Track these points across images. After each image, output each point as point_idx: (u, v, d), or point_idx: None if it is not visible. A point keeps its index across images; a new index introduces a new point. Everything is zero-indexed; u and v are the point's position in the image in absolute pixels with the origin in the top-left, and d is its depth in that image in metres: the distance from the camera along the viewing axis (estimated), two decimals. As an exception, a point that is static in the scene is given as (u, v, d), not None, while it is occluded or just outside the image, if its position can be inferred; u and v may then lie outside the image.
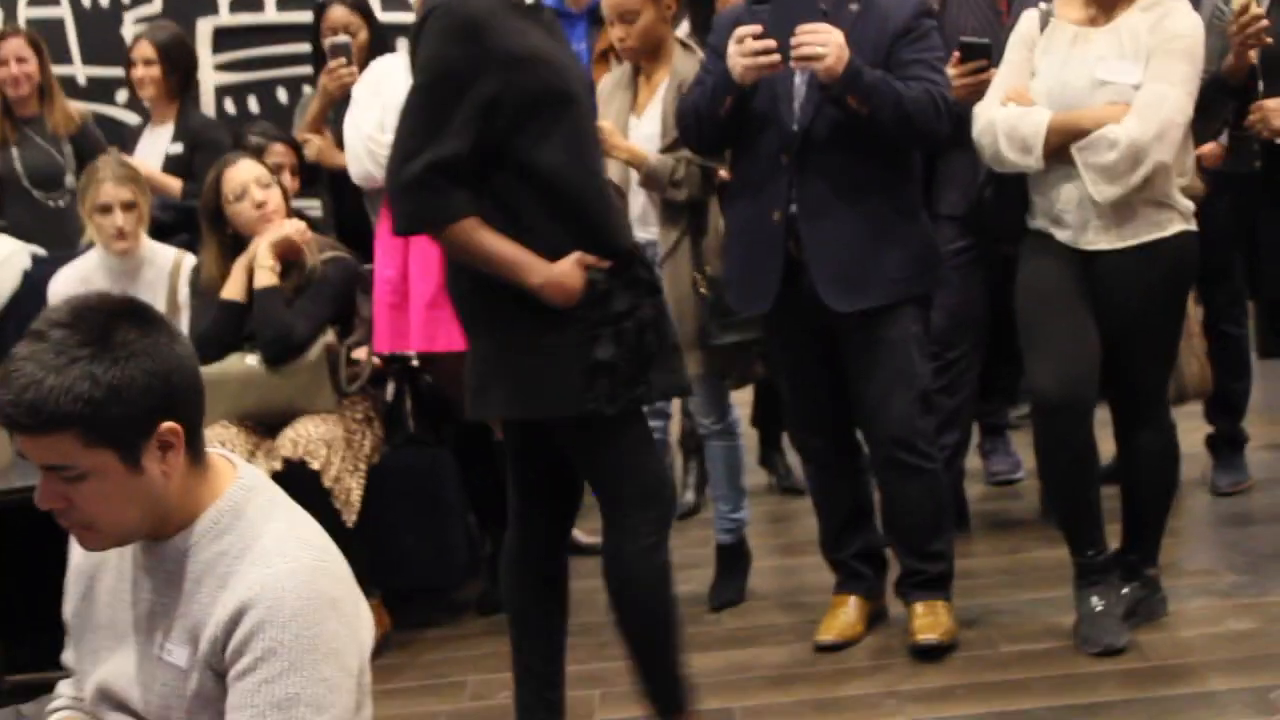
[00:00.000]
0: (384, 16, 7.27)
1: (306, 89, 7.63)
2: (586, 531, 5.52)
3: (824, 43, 4.01)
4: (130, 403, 2.20)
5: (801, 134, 4.15)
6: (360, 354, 4.80)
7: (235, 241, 4.77)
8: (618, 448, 3.58)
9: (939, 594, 4.46)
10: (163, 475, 2.28)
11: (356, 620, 2.43)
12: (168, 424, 2.25)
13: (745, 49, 4.04)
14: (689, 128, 4.34)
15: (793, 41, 4.01)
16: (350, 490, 4.60)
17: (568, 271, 3.42)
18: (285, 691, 2.27)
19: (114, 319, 2.23)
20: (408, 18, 7.91)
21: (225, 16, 8.06)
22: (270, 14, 8.08)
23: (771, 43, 4.00)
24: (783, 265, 4.26)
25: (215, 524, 2.34)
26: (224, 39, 8.00)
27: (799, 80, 4.21)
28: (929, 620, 4.39)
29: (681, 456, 5.87)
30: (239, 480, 2.39)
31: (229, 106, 7.97)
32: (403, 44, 7.67)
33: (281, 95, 8.07)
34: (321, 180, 5.43)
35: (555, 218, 3.44)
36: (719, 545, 4.98)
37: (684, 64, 4.60)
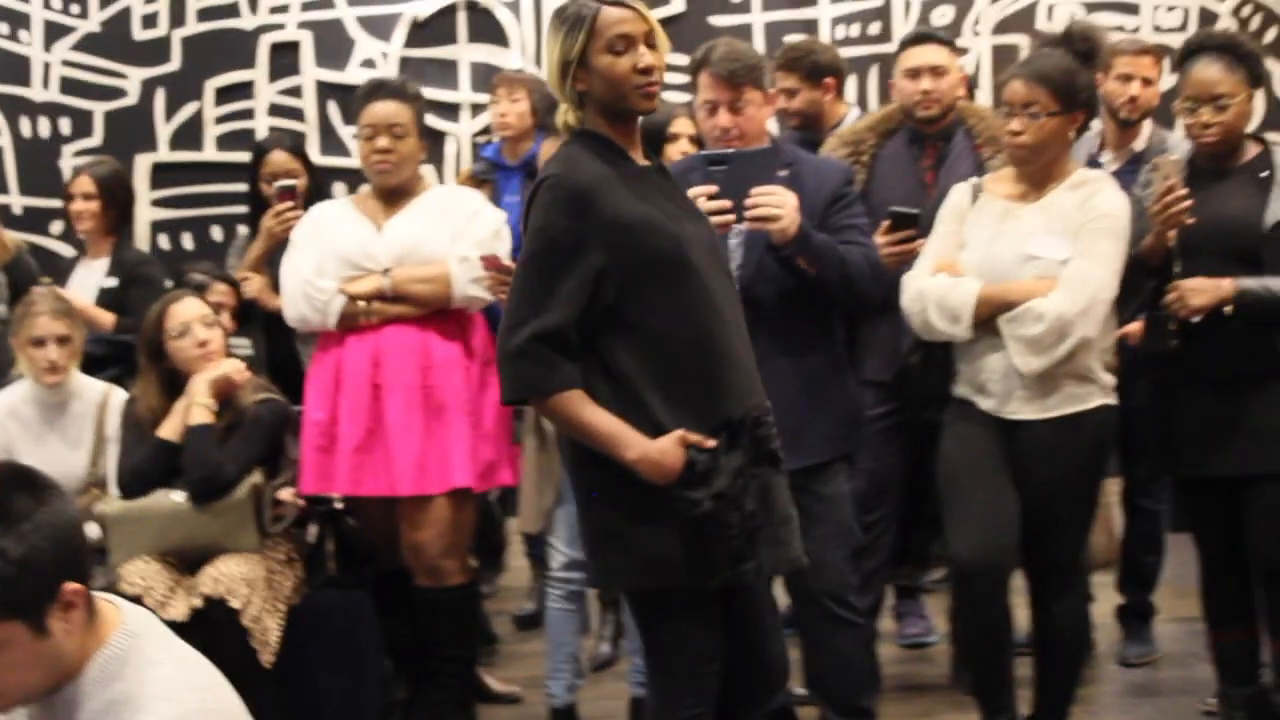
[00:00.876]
0: (321, 160, 7.39)
1: (241, 229, 7.70)
2: (499, 679, 5.55)
3: (780, 204, 4.10)
4: (39, 573, 2.22)
5: (742, 293, 4.23)
6: (286, 495, 4.82)
7: (172, 377, 4.81)
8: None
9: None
10: (66, 634, 2.29)
11: None
12: (71, 585, 2.27)
13: (701, 208, 4.12)
14: None
15: (749, 202, 4.09)
16: (268, 630, 4.60)
17: (666, 449, 3.38)
18: None
19: (6, 489, 2.26)
20: (346, 162, 8.06)
21: (164, 153, 8.16)
22: (209, 153, 8.20)
23: (727, 202, 4.07)
24: None
25: (103, 672, 2.34)
26: (162, 175, 8.10)
27: (734, 242, 4.29)
28: None
29: (600, 607, 5.89)
30: (124, 625, 2.40)
31: (163, 242, 8.06)
32: (340, 189, 7.80)
33: (216, 233, 8.17)
34: (256, 320, 5.47)
35: (660, 385, 3.43)
36: (633, 699, 4.98)
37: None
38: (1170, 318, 4.37)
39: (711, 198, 4.08)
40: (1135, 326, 4.81)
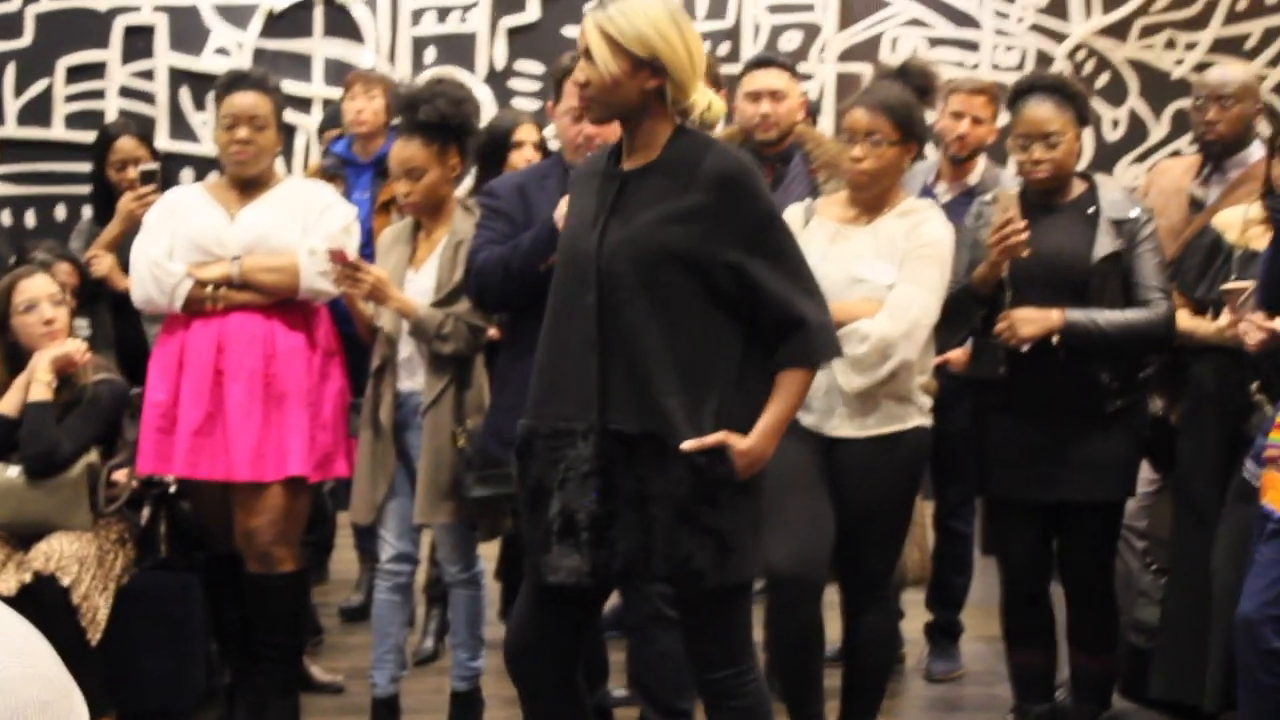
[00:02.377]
0: (170, 146, 7.42)
1: (86, 210, 7.71)
2: (324, 668, 5.63)
3: None
4: None
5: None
6: (120, 476, 4.86)
7: (15, 352, 4.84)
8: None
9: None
10: None
11: (67, 717, 2.54)
12: None
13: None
14: (490, 284, 4.45)
15: None
16: (98, 609, 4.65)
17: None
18: None
19: None
20: (195, 149, 8.09)
21: (12, 129, 8.11)
22: (58, 130, 8.17)
23: None
24: None
25: None
26: (8, 151, 8.05)
27: None
28: None
29: (425, 603, 5.98)
30: None
31: (5, 218, 8.01)
32: (187, 175, 7.83)
33: (60, 212, 8.14)
34: (104, 300, 5.51)
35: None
36: (454, 692, 5.07)
37: (463, 224, 4.75)
38: (999, 345, 4.53)
39: None
40: (957, 353, 4.99)
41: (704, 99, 3.61)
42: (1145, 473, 4.92)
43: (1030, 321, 4.47)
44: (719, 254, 3.53)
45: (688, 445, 3.49)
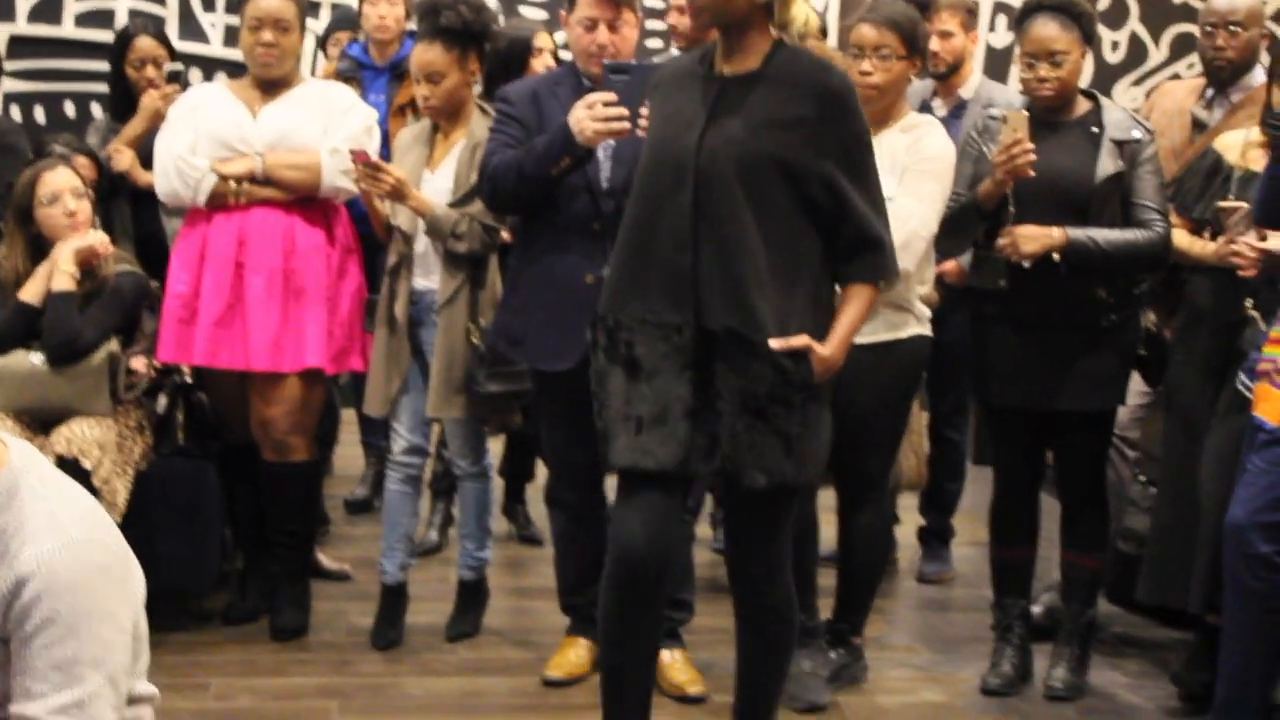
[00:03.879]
0: (180, 47, 7.46)
1: (95, 108, 7.78)
2: (331, 557, 5.78)
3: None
4: None
5: (614, 202, 4.42)
6: (139, 364, 4.97)
7: (38, 243, 4.93)
8: None
9: (679, 643, 4.81)
10: None
11: (126, 581, 2.70)
12: None
13: (598, 114, 4.27)
14: (503, 186, 4.52)
15: (645, 111, 4.20)
16: (117, 492, 4.77)
17: None
18: (65, 654, 2.55)
19: None
20: (204, 49, 8.16)
21: (22, 25, 8.15)
22: (68, 29, 8.20)
23: (624, 110, 4.23)
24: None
25: None
26: (18, 47, 8.08)
27: (602, 155, 4.51)
28: (687, 674, 4.74)
29: (430, 496, 6.11)
30: (10, 461, 2.63)
31: (15, 113, 8.05)
32: (195, 75, 7.89)
33: (69, 109, 8.19)
34: (123, 194, 5.61)
35: None
36: (461, 581, 5.23)
37: (480, 127, 4.84)
38: (1000, 259, 4.62)
39: (612, 105, 4.26)
40: (951, 265, 5.11)
41: (801, 13, 3.75)
42: (1137, 385, 5.04)
43: (1033, 239, 4.55)
44: (816, 164, 3.66)
45: (776, 344, 3.61)
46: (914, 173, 4.40)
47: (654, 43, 8.03)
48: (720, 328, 3.64)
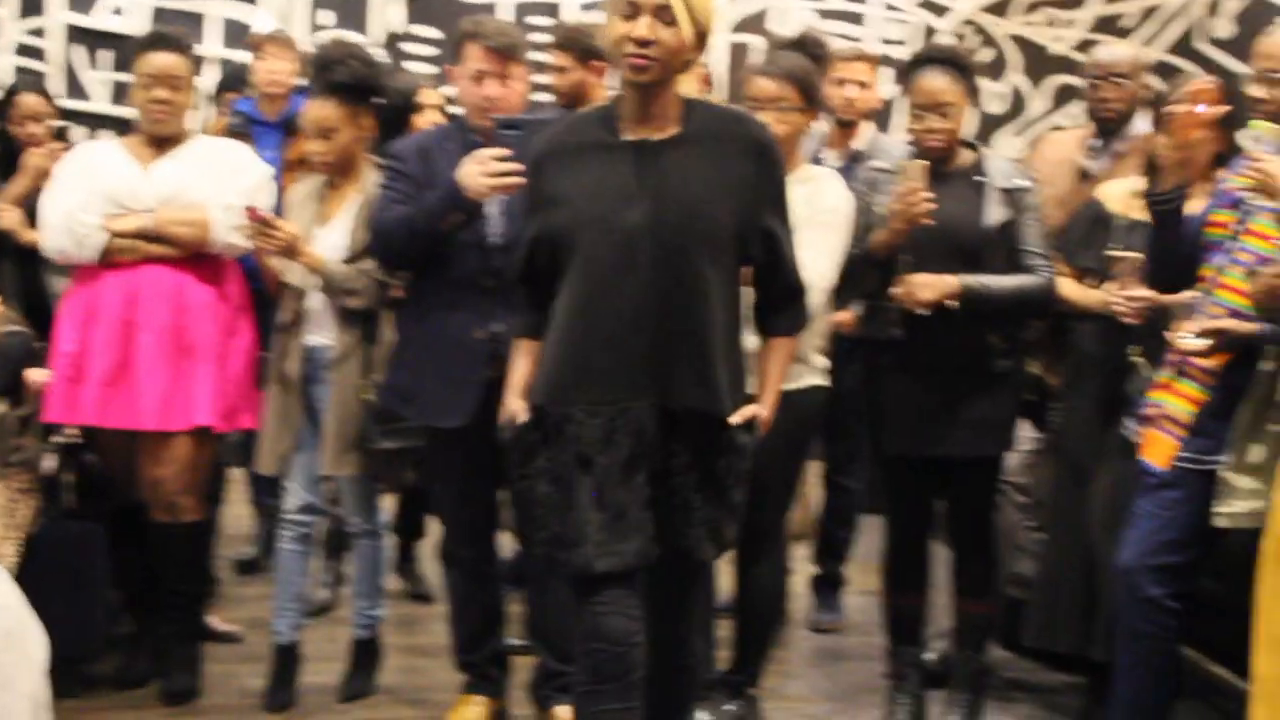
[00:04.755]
0: (64, 104, 7.40)
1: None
2: (221, 618, 5.71)
3: None
4: None
5: (505, 257, 4.38)
6: (38, 376, 4.91)
7: (-79, 304, 4.86)
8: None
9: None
10: None
11: (25, 645, 2.67)
12: None
13: (488, 169, 4.27)
14: (394, 242, 4.53)
15: None
16: (5, 556, 4.69)
17: (508, 410, 3.78)
18: None
19: None
20: (88, 106, 8.08)
21: (-98, 81, 8.02)
22: (-49, 84, 8.07)
23: (517, 165, 4.20)
24: (483, 381, 4.48)
25: None
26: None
27: (492, 209, 4.50)
28: None
29: (324, 554, 6.06)
30: None
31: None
32: (80, 133, 7.81)
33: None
34: (7, 253, 5.55)
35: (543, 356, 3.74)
36: (354, 640, 5.19)
37: (374, 182, 4.82)
38: (894, 308, 4.67)
39: (503, 160, 4.26)
40: (845, 315, 5.15)
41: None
42: (1025, 431, 5.11)
43: (929, 286, 4.59)
44: (761, 220, 3.66)
45: (736, 419, 3.63)
46: (812, 224, 4.44)
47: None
48: (682, 408, 3.59)
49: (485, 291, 4.49)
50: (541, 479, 3.65)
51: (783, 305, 3.76)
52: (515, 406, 3.74)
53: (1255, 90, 4.41)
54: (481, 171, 4.30)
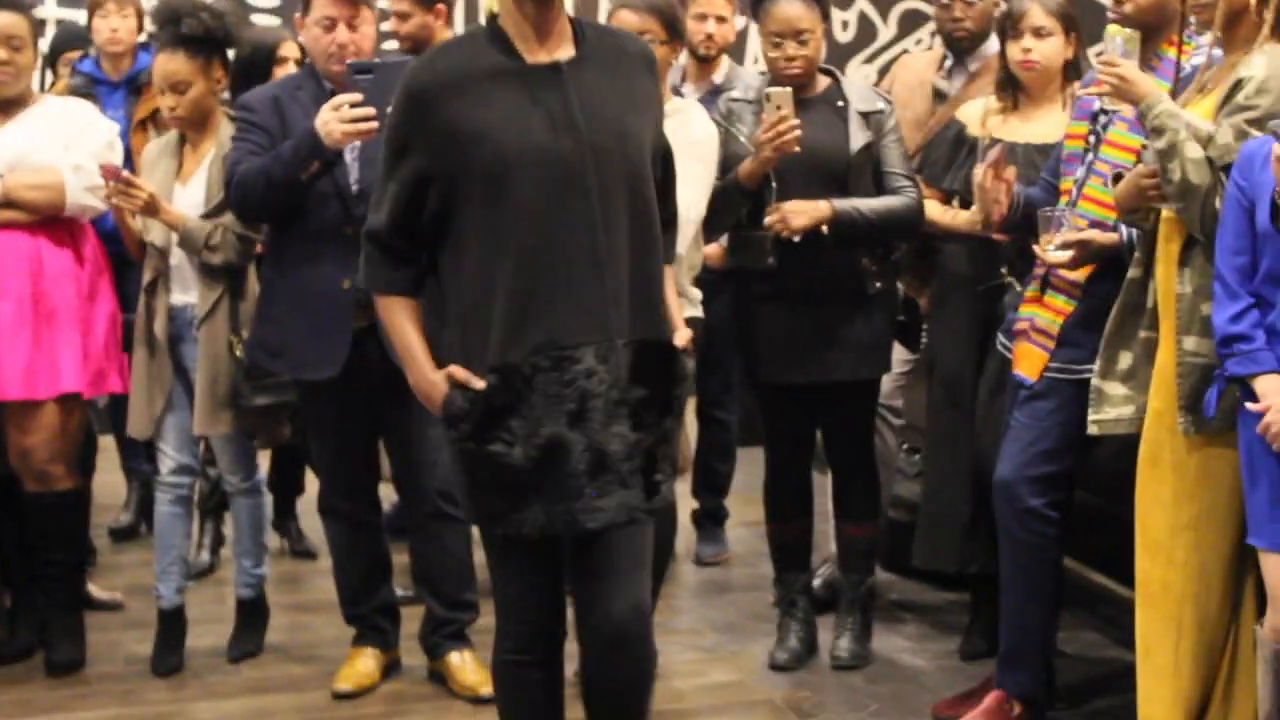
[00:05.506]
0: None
1: None
2: (101, 587, 5.63)
3: None
4: None
5: (364, 202, 4.36)
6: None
7: None
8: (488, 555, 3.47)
9: (467, 644, 4.79)
10: None
11: None
12: None
13: (344, 115, 4.22)
14: (252, 195, 4.45)
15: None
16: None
17: (434, 382, 3.29)
18: None
19: None
20: None
21: None
22: None
23: (372, 110, 4.18)
24: (352, 331, 4.47)
25: None
26: None
27: (349, 158, 4.46)
28: (478, 675, 4.67)
29: (198, 517, 5.99)
30: None
31: None
32: None
33: None
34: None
35: (466, 312, 3.29)
36: (239, 600, 5.14)
37: (229, 136, 4.74)
38: (766, 237, 4.67)
39: (358, 105, 4.22)
40: (713, 248, 5.14)
41: None
42: (898, 353, 5.14)
43: (801, 213, 4.60)
44: (662, 140, 3.47)
45: (681, 341, 3.39)
46: (681, 156, 4.42)
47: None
48: (639, 341, 3.27)
49: (347, 240, 4.39)
50: (517, 443, 3.21)
51: (669, 229, 3.54)
52: (447, 378, 3.28)
53: None
54: (336, 119, 4.26)
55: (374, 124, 4.19)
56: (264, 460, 5.72)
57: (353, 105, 4.23)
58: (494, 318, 3.22)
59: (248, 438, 4.98)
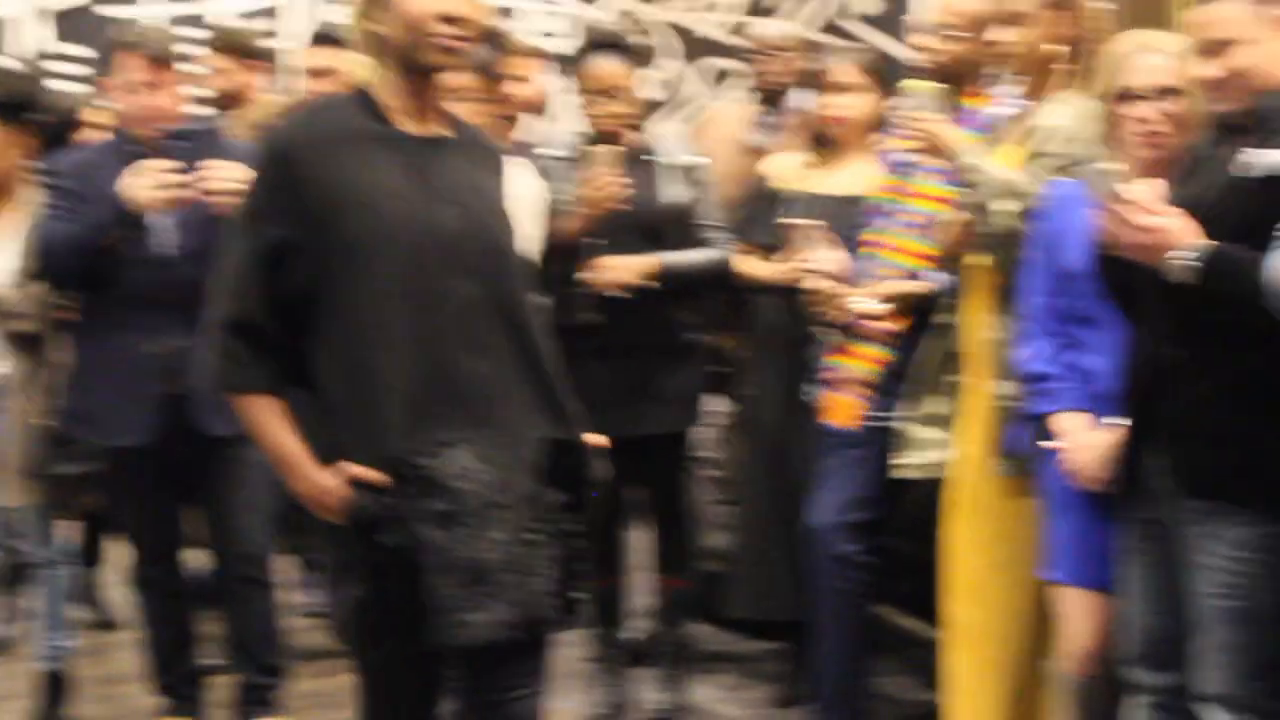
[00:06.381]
0: None
1: None
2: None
3: (230, 180, 4.16)
4: None
5: (175, 270, 4.34)
6: None
7: None
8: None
9: (276, 710, 4.74)
10: None
11: None
12: None
13: (151, 181, 4.19)
14: (60, 261, 4.39)
15: (205, 174, 4.20)
16: None
17: (328, 487, 2.94)
18: None
19: None
20: None
21: None
22: None
23: (181, 175, 4.16)
24: (160, 397, 4.41)
25: None
26: None
27: (170, 221, 4.39)
28: None
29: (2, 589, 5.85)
30: None
31: None
32: None
33: None
34: None
35: (343, 401, 2.96)
36: (43, 673, 5.01)
37: (37, 202, 4.64)
38: (587, 293, 4.64)
39: (168, 170, 4.19)
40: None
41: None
42: (716, 405, 5.19)
43: (620, 269, 4.63)
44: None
45: (593, 443, 3.20)
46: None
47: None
48: (533, 438, 3.05)
49: (157, 306, 4.38)
50: (425, 526, 2.88)
51: None
52: (339, 478, 2.93)
53: (926, 46, 4.44)
54: (146, 184, 4.22)
55: (184, 190, 4.18)
56: (70, 530, 5.62)
57: (167, 170, 4.21)
58: (372, 407, 2.93)
59: (51, 508, 4.88)
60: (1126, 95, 3.45)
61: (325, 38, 5.51)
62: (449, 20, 2.96)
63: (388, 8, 2.98)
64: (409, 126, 3.05)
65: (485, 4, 3.05)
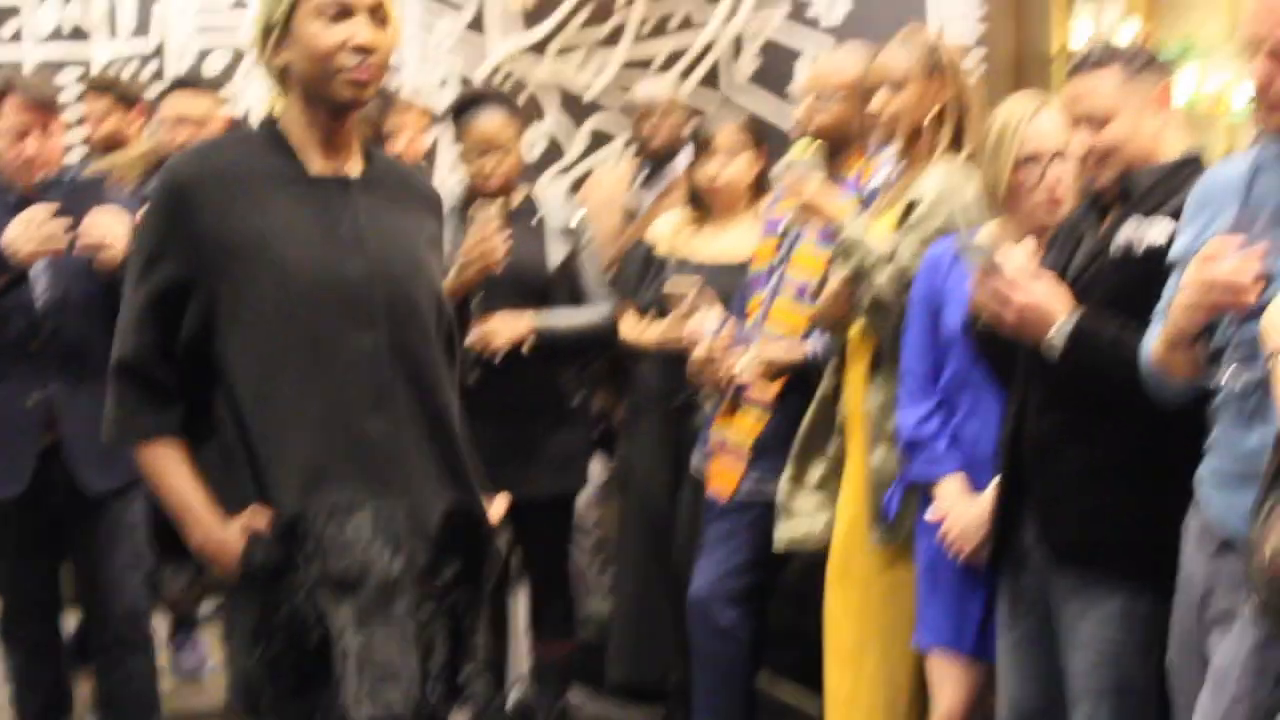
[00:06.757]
0: None
1: None
2: None
3: (112, 231, 4.12)
4: None
5: (51, 318, 4.29)
6: None
7: None
8: None
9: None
10: None
11: None
12: None
13: (34, 231, 4.13)
14: None
15: (87, 227, 4.14)
16: None
17: (225, 540, 2.78)
18: None
19: None
20: None
21: None
22: None
23: (64, 223, 4.10)
24: (37, 449, 4.34)
25: None
26: None
27: (38, 268, 4.31)
28: None
29: None
30: None
31: None
32: None
33: None
34: None
35: (240, 452, 2.80)
36: (-95, 736, 4.92)
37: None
38: (468, 354, 4.57)
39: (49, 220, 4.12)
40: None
41: None
42: (593, 468, 5.16)
43: (502, 331, 4.60)
44: (441, 285, 3.06)
45: (496, 517, 3.04)
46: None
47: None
48: (444, 507, 2.88)
49: (33, 357, 4.32)
50: (322, 593, 2.71)
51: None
52: (237, 530, 2.77)
53: (806, 109, 4.45)
54: (25, 234, 4.16)
55: (64, 240, 4.13)
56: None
57: (48, 218, 4.14)
58: (266, 463, 2.77)
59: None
60: (1033, 158, 3.44)
61: (184, 83, 5.47)
62: (358, 50, 2.80)
63: (294, 39, 2.81)
64: (317, 165, 2.88)
65: (393, 35, 2.86)
